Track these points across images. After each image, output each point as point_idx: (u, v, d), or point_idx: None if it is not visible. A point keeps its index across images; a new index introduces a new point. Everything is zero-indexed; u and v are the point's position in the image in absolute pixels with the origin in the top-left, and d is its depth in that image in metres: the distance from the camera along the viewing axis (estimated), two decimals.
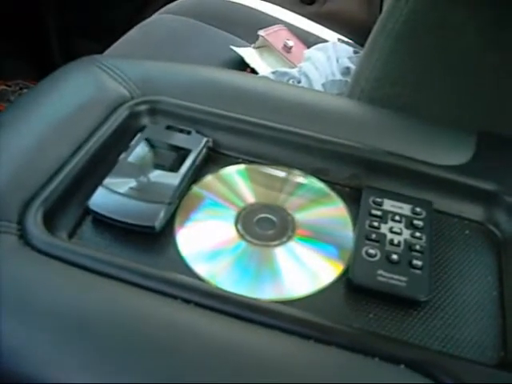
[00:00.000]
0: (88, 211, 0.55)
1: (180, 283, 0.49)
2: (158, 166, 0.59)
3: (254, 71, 1.10)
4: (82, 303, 0.47)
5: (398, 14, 0.69)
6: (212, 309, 0.47)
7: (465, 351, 0.49)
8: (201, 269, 0.52)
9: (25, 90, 1.28)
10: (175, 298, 0.47)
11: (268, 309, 0.48)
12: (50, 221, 0.53)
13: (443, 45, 0.69)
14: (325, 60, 1.07)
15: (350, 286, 0.52)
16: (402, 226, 0.56)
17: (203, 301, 0.47)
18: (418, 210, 0.57)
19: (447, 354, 0.48)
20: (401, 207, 0.58)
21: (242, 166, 0.63)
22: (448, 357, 0.48)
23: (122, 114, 0.63)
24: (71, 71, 0.70)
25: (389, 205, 0.58)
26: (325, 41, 1.24)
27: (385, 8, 0.72)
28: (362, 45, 1.27)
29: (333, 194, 0.60)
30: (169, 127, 0.63)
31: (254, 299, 0.49)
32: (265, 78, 0.98)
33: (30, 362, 0.45)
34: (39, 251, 0.50)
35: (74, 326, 0.46)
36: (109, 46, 1.20)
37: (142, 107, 0.65)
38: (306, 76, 1.03)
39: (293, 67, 1.11)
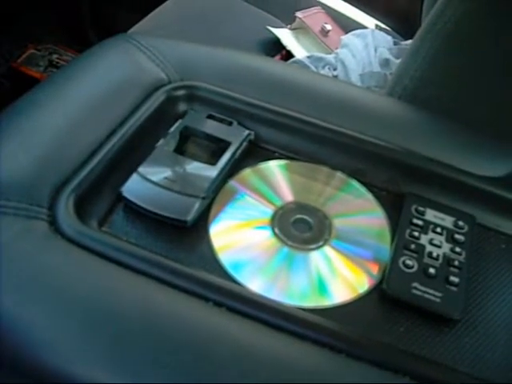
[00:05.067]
0: (120, 198, 0.54)
1: (213, 285, 0.47)
2: (195, 157, 0.57)
3: (289, 53, 1.08)
4: (110, 298, 0.46)
5: (450, 12, 0.67)
6: (244, 314, 0.46)
7: (495, 374, 0.48)
8: (233, 269, 0.51)
9: (54, 56, 1.26)
10: (207, 300, 0.46)
11: (302, 319, 0.46)
12: (81, 207, 0.51)
13: (496, 50, 0.66)
14: (362, 48, 1.05)
15: (384, 297, 0.51)
16: (442, 238, 0.54)
17: (235, 305, 0.46)
18: (460, 223, 0.56)
19: (478, 379, 0.47)
20: (443, 219, 0.56)
21: (282, 162, 0.61)
22: (478, 381, 0.47)
23: (158, 98, 0.62)
24: (107, 49, 0.68)
25: (431, 215, 0.56)
26: (363, 26, 1.21)
27: (436, 4, 0.70)
28: (400, 32, 1.25)
29: (374, 202, 0.58)
30: (210, 116, 0.61)
31: (288, 307, 0.48)
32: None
33: (54, 353, 0.44)
34: (69, 240, 0.49)
35: (101, 321, 0.45)
36: (141, 15, 1.17)
37: (180, 92, 0.63)
38: (343, 63, 1.01)
39: (329, 52, 1.09)
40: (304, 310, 0.48)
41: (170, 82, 0.64)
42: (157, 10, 1.18)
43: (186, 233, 0.53)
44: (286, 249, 0.53)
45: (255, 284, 0.50)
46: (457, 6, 0.66)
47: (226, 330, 0.45)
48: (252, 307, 0.46)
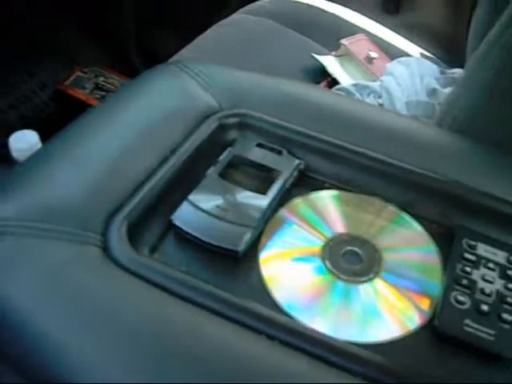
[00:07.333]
0: (171, 225, 0.54)
1: (265, 318, 0.47)
2: (245, 185, 0.57)
3: (334, 81, 1.08)
4: (161, 326, 0.46)
5: (500, 45, 0.66)
6: (296, 348, 0.45)
7: None
8: (284, 304, 0.50)
9: (101, 78, 1.28)
10: (259, 332, 0.46)
11: (352, 353, 0.46)
12: (133, 234, 0.52)
13: None
14: (407, 76, 1.04)
15: (435, 333, 0.50)
16: (495, 274, 0.53)
17: (288, 339, 0.46)
18: None
19: None
20: (495, 254, 0.55)
21: (332, 192, 0.61)
22: None
23: (210, 125, 0.62)
24: (158, 75, 0.69)
25: (482, 249, 0.55)
26: (407, 54, 1.21)
27: (490, 33, 0.69)
28: (444, 60, 1.24)
29: (425, 236, 0.57)
30: (259, 145, 0.61)
31: (340, 341, 0.47)
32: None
33: (105, 379, 0.44)
34: (122, 267, 0.49)
35: (150, 351, 0.45)
36: (185, 40, 1.18)
37: (232, 120, 0.63)
38: (388, 92, 1.00)
39: (374, 79, 1.08)
40: (355, 344, 0.48)
41: (221, 110, 0.64)
42: (199, 37, 1.19)
43: (237, 263, 0.53)
44: (335, 281, 0.53)
45: (309, 319, 0.49)
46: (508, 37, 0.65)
47: (279, 363, 0.45)
48: (304, 341, 0.46)
